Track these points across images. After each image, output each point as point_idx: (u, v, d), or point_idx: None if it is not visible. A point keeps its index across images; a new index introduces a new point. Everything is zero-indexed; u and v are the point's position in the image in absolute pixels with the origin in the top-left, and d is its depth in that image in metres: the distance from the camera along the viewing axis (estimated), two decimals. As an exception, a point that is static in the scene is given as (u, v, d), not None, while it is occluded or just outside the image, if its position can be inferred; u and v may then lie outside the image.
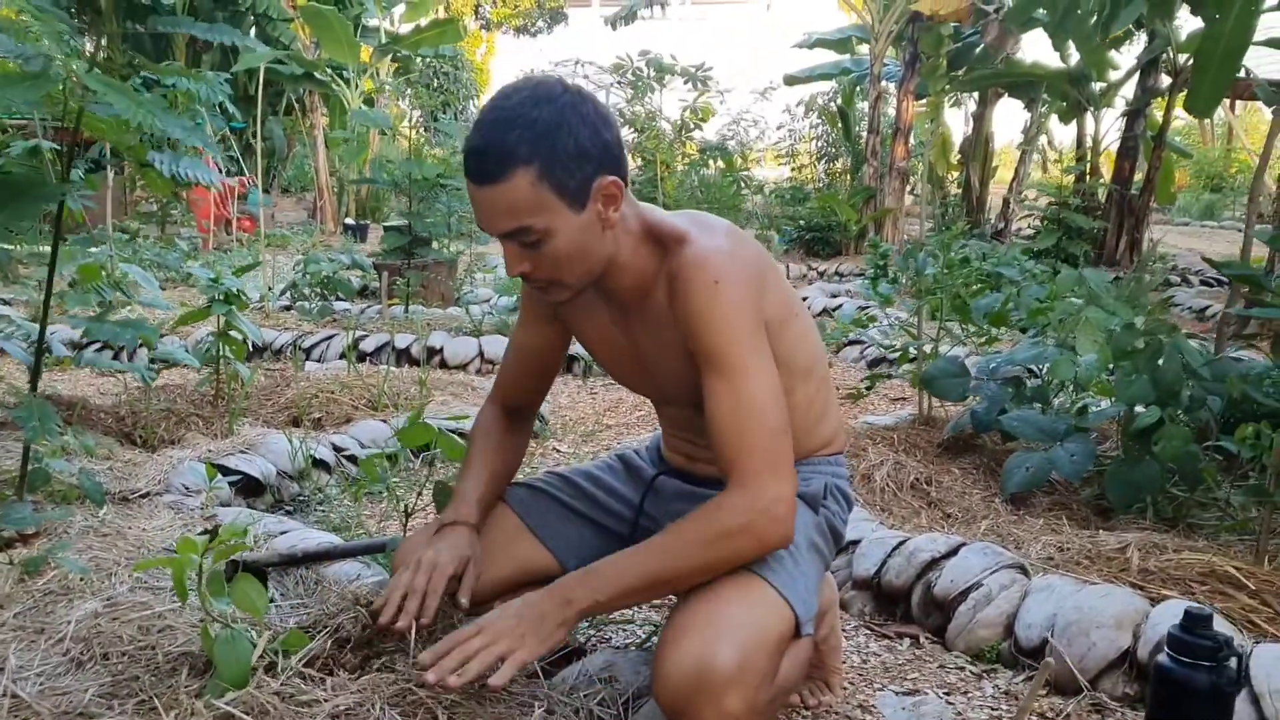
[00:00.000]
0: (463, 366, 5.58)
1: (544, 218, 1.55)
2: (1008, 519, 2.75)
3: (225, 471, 3.05)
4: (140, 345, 2.73)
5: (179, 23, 2.25)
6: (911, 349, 3.59)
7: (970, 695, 2.06)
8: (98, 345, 4.84)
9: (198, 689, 1.68)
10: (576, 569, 1.97)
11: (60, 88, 2.08)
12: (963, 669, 2.17)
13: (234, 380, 3.59)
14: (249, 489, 3.10)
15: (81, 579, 2.09)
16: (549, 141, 1.52)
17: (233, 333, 3.51)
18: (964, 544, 2.41)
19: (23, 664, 1.78)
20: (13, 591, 2.05)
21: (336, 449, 3.44)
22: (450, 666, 1.51)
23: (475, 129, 1.57)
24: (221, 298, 3.42)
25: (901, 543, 2.46)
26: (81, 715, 1.64)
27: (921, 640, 2.29)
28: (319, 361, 5.56)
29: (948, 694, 2.07)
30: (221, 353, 3.52)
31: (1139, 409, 2.78)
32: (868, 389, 3.76)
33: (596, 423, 4.30)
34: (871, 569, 2.43)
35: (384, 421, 3.69)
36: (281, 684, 1.65)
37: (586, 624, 2.26)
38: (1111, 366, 3.06)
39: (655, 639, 2.23)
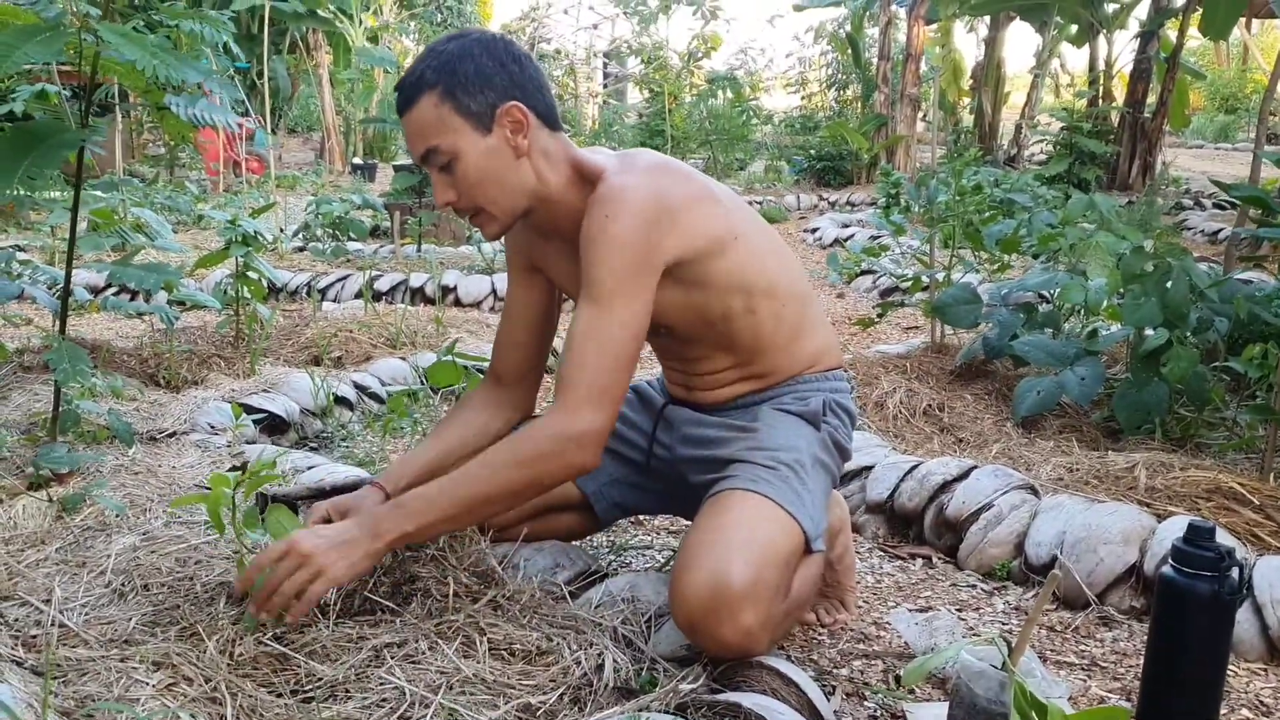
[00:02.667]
0: (476, 304, 5.63)
1: (449, 138, 1.68)
2: (1019, 442, 2.80)
3: (249, 410, 3.11)
4: (162, 289, 2.77)
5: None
6: (924, 277, 3.62)
7: (981, 611, 2.13)
8: (116, 290, 4.90)
9: (236, 615, 1.75)
10: (595, 493, 2.05)
11: (76, 39, 2.10)
12: (974, 587, 2.24)
13: (254, 321, 3.64)
14: (273, 427, 3.17)
15: (118, 515, 2.16)
16: (451, 66, 1.67)
17: (251, 274, 3.55)
18: (975, 467, 2.46)
19: (68, 595, 1.85)
20: (52, 528, 2.12)
21: (358, 386, 3.50)
22: (261, 597, 1.61)
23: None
24: (239, 239, 3.46)
25: (914, 467, 2.51)
26: (127, 643, 1.70)
27: (934, 560, 2.35)
28: (335, 302, 5.61)
29: (959, 610, 2.13)
30: (241, 294, 3.57)
31: (1147, 331, 2.81)
32: (880, 316, 3.79)
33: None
34: (885, 493, 2.49)
35: (403, 359, 3.75)
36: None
37: (608, 550, 2.32)
38: (1121, 290, 3.09)
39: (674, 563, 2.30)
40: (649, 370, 3.51)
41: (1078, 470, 2.56)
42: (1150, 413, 2.77)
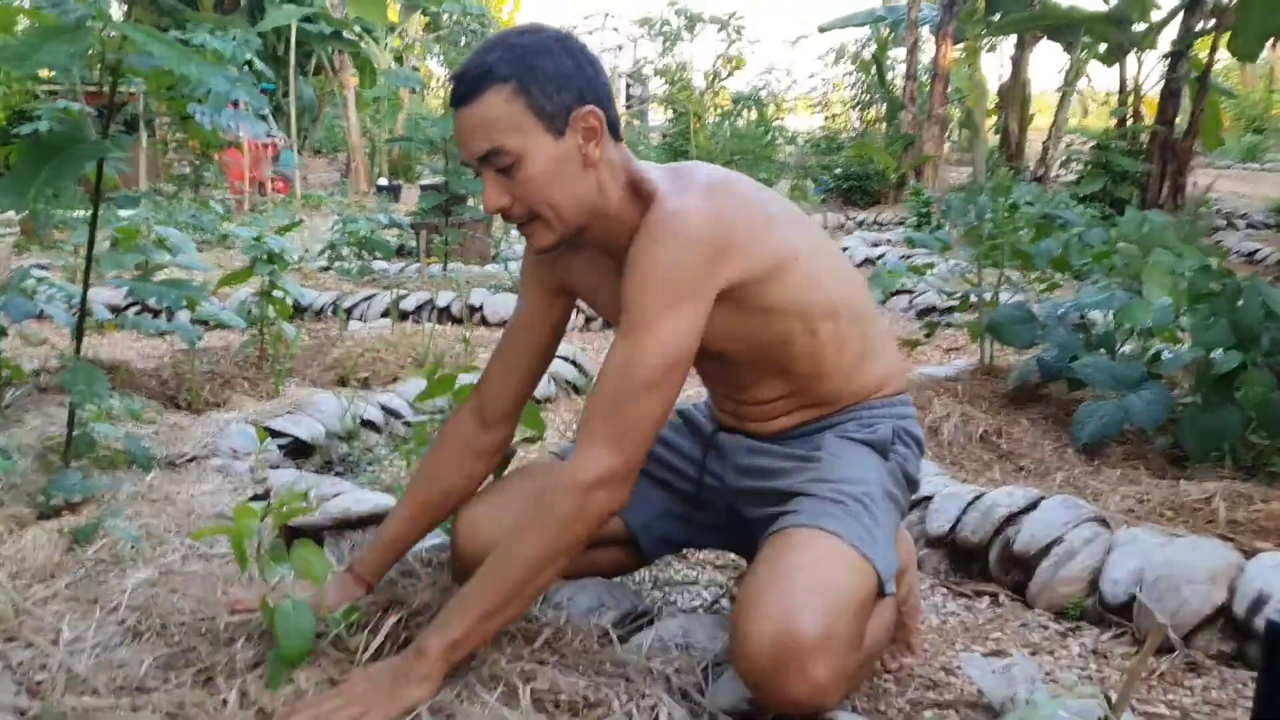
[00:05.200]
0: (502, 323, 5.52)
1: (518, 137, 1.51)
2: (1083, 470, 2.65)
3: (273, 434, 2.99)
4: (184, 306, 2.65)
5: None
6: (971, 296, 3.47)
7: (1057, 655, 1.97)
8: (138, 308, 4.80)
9: (254, 659, 1.62)
10: (641, 528, 1.91)
11: (99, 39, 1.99)
12: (1046, 627, 2.08)
13: (279, 341, 3.53)
14: (297, 451, 3.04)
15: (133, 547, 2.03)
16: (527, 60, 1.51)
17: (276, 292, 3.44)
18: (1042, 497, 2.31)
19: (77, 635, 1.72)
20: (63, 560, 2.00)
21: (385, 409, 3.38)
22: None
23: (461, 61, 1.56)
24: (265, 257, 3.35)
25: (977, 497, 2.36)
26: (139, 690, 1.57)
27: (1001, 598, 2.20)
28: (361, 321, 5.50)
29: (1033, 653, 1.98)
30: (266, 313, 3.45)
31: (1216, 354, 2.66)
32: (926, 337, 3.64)
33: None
34: (946, 526, 2.34)
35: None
36: (347, 659, 1.59)
37: (651, 586, 2.18)
38: (1182, 310, 2.95)
39: (724, 600, 2.16)
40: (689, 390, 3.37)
41: (1149, 500, 2.40)
42: (1222, 439, 2.61)
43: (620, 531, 1.91)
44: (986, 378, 3.39)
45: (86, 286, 2.23)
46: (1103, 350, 3.04)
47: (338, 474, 3.06)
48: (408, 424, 3.40)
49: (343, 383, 3.59)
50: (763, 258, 1.61)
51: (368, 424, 3.27)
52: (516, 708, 1.48)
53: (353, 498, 2.42)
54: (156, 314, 4.22)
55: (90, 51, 2.11)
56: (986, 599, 2.20)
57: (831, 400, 1.78)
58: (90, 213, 2.20)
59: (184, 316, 2.80)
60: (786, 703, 1.45)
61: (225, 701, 1.51)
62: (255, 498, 2.35)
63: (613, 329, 1.75)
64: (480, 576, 1.52)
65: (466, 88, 1.51)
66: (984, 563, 2.29)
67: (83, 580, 1.92)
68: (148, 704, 1.51)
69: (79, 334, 2.24)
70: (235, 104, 2.19)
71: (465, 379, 2.12)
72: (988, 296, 3.45)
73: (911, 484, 1.82)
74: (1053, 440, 2.88)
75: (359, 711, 1.43)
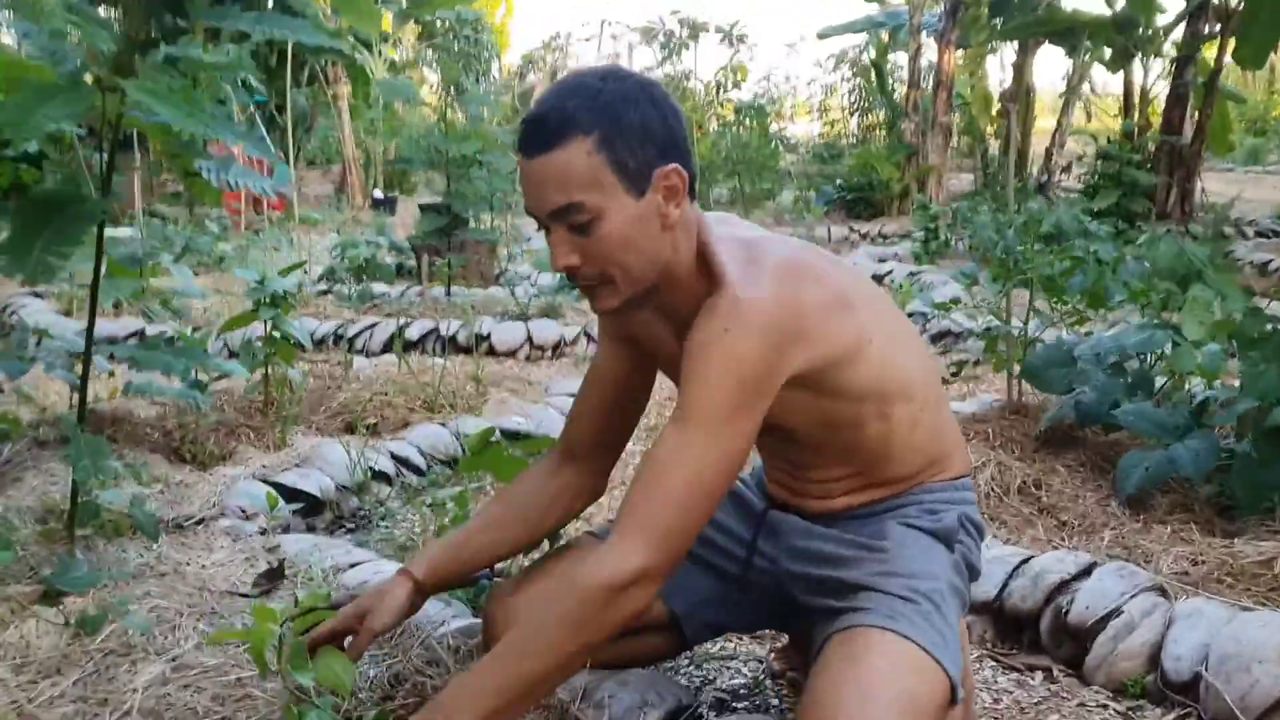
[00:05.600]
0: (511, 353, 5.41)
1: (597, 195, 1.40)
2: (1131, 527, 2.54)
3: (281, 490, 2.88)
4: (191, 374, 2.55)
5: (225, 14, 2.04)
6: (997, 330, 3.36)
7: (1121, 742, 1.87)
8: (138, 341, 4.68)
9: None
10: (685, 615, 1.80)
11: (99, 98, 1.88)
12: (1105, 707, 1.97)
13: (284, 386, 3.41)
14: (307, 508, 2.93)
15: (144, 636, 1.92)
16: (612, 113, 1.39)
17: (279, 334, 3.33)
18: (1095, 563, 2.20)
19: (87, 746, 1.61)
20: (69, 652, 1.89)
21: (396, 458, 3.27)
22: None
23: (536, 103, 1.44)
24: (268, 300, 3.24)
25: (1025, 561, 2.26)
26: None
27: (1055, 674, 2.09)
28: (363, 353, 5.39)
29: (1096, 740, 1.87)
30: (270, 357, 3.34)
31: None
32: (954, 375, 3.54)
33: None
34: (993, 591, 2.23)
35: (442, 425, 3.51)
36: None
37: (689, 663, 2.08)
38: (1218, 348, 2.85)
39: (766, 680, 2.05)
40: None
41: (1204, 562, 2.30)
42: (1275, 491, 2.51)
43: (662, 618, 1.81)
44: (1016, 417, 3.28)
45: (89, 352, 2.12)
46: (1139, 392, 2.93)
47: (349, 530, 2.95)
48: (420, 472, 3.30)
49: (350, 429, 3.48)
50: (836, 344, 1.51)
51: (378, 475, 3.16)
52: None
53: (371, 569, 2.31)
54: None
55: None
56: (1040, 674, 2.10)
57: (893, 482, 1.68)
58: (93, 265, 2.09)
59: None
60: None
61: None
62: (269, 573, 2.24)
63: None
64: (498, 667, 1.41)
65: (544, 136, 1.40)
66: (1034, 632, 2.18)
67: (91, 676, 1.81)
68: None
69: (81, 401, 2.13)
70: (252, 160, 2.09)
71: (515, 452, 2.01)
72: (1016, 331, 3.34)
73: (973, 572, 1.72)
74: (1093, 490, 2.77)
75: None
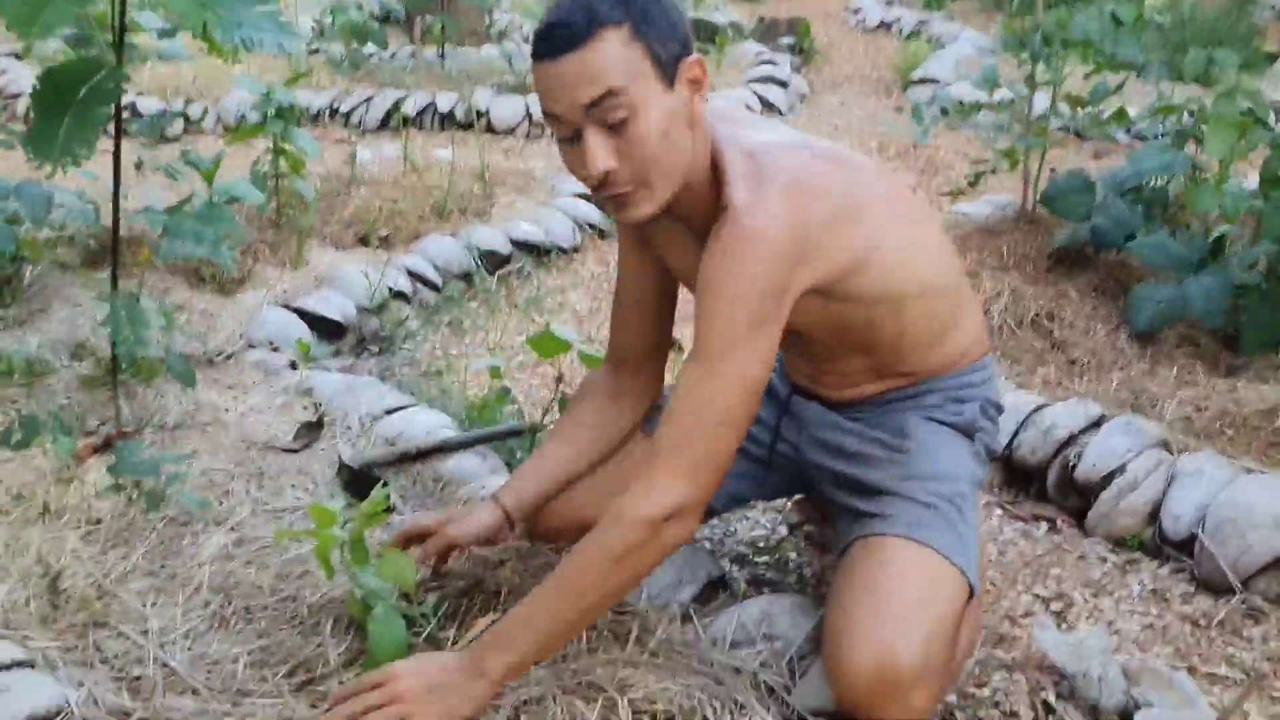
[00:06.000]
0: (510, 131, 5.31)
1: (635, 84, 1.35)
2: (1139, 368, 2.62)
3: (304, 315, 2.93)
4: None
5: None
6: (1019, 143, 3.32)
7: (1118, 597, 2.01)
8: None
9: (345, 656, 1.63)
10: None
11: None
12: (1104, 560, 2.11)
13: (296, 201, 3.38)
14: (330, 331, 2.99)
15: (202, 509, 2.00)
16: (640, 3, 1.36)
17: (288, 147, 3.28)
18: (1103, 416, 2.29)
19: (164, 624, 1.73)
20: (132, 520, 1.98)
21: (412, 274, 3.29)
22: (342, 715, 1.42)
23: (554, 7, 1.38)
24: (275, 113, 3.17)
25: (1036, 411, 2.35)
26: (240, 693, 1.59)
27: (1059, 524, 2.22)
28: (359, 128, 5.31)
29: (1094, 595, 2.01)
30: (278, 169, 3.30)
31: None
32: (971, 185, 3.51)
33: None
34: (1002, 442, 2.32)
35: (453, 236, 3.52)
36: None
37: (715, 521, 2.19)
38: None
39: (785, 532, 2.18)
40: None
41: (1207, 409, 2.39)
42: (1281, 335, 2.57)
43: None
44: (1030, 229, 3.30)
45: (116, 225, 2.11)
46: (1155, 216, 2.94)
47: (372, 354, 3.02)
48: (435, 288, 3.33)
49: (364, 242, 3.49)
50: (844, 257, 1.51)
51: (396, 295, 3.20)
52: (619, 726, 1.51)
53: (405, 417, 2.38)
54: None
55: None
56: (1044, 525, 2.23)
57: (914, 372, 1.72)
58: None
59: (201, 187, 2.64)
60: (882, 721, 1.49)
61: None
62: (309, 426, 2.32)
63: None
64: (546, 600, 1.47)
65: (574, 34, 1.33)
66: (1041, 484, 2.30)
67: (157, 548, 1.91)
68: (252, 714, 1.53)
69: (114, 264, 2.14)
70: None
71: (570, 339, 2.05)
72: (1037, 110, 3.26)
73: (991, 454, 1.79)
74: (1104, 321, 2.82)
75: (404, 713, 1.40)
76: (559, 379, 2.12)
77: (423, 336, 3.09)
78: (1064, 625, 1.93)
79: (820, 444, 1.78)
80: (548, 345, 2.04)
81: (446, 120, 5.32)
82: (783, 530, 2.20)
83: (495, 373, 2.34)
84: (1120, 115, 3.10)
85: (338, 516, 1.64)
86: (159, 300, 2.69)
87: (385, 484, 2.12)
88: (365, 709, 1.41)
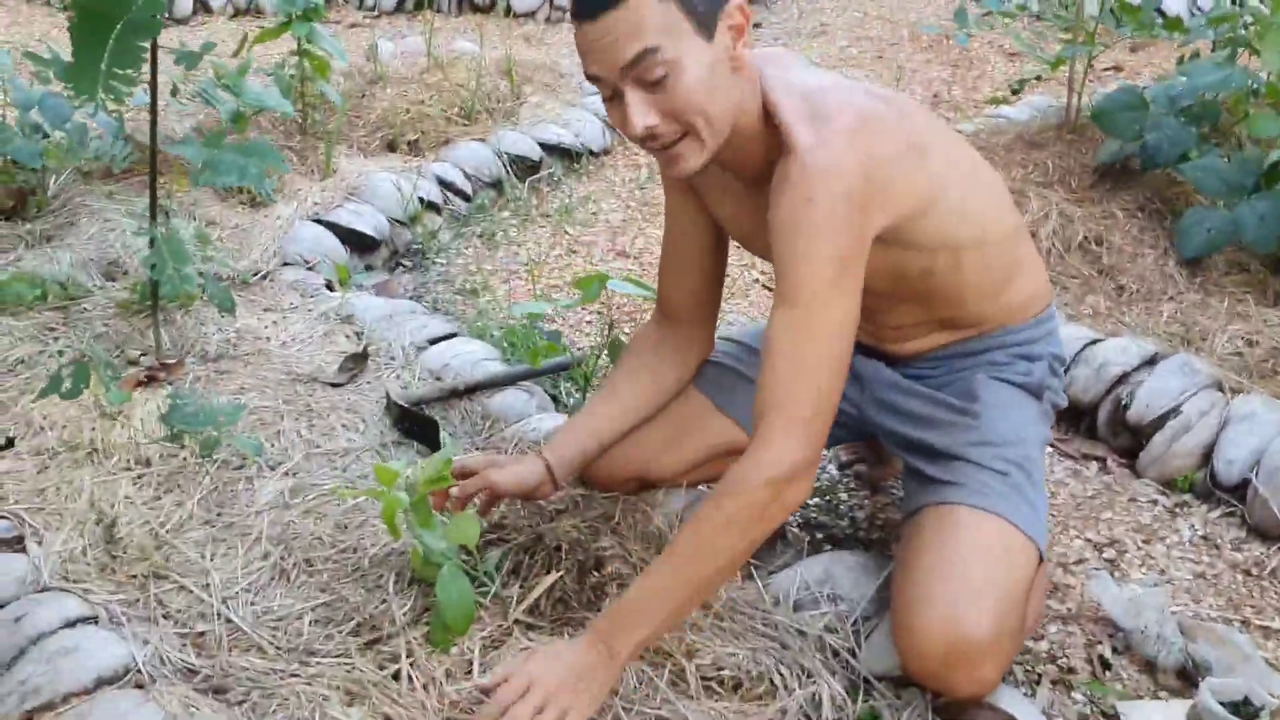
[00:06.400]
0: (530, 14, 5.15)
1: (671, 40, 1.33)
2: (1190, 299, 2.57)
3: (336, 230, 2.88)
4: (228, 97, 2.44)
5: None
6: (1068, 52, 3.21)
7: (1169, 544, 2.01)
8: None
9: (410, 615, 1.64)
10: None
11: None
12: (1155, 503, 2.11)
13: (321, 103, 3.28)
14: (363, 245, 2.94)
15: (257, 456, 1.99)
16: None
17: (313, 49, 3.17)
18: (1156, 355, 2.27)
19: (225, 577, 1.74)
20: (185, 463, 1.97)
21: (442, 183, 3.22)
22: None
23: None
24: (300, 14, 3.05)
25: (1088, 346, 2.32)
26: (307, 652, 1.60)
27: (1109, 464, 2.22)
28: (373, 9, 5.15)
29: (1145, 541, 2.02)
30: (303, 73, 3.19)
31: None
32: (1014, 93, 3.40)
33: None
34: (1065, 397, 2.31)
35: (482, 141, 3.43)
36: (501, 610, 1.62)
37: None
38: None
39: (834, 471, 2.18)
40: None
41: (1259, 344, 2.36)
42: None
43: (746, 442, 1.88)
44: (1074, 139, 3.21)
45: (154, 149, 2.05)
46: (1206, 135, 2.84)
47: (406, 270, 2.97)
48: (466, 198, 3.26)
49: (391, 148, 3.40)
50: (912, 196, 1.49)
51: (427, 205, 3.13)
52: (687, 691, 1.53)
53: (449, 348, 2.35)
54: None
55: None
56: (1094, 464, 2.22)
57: (974, 324, 1.70)
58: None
59: (229, 101, 2.56)
60: (951, 693, 1.50)
61: (399, 674, 1.54)
62: (353, 358, 2.29)
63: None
64: (673, 570, 1.46)
65: None
66: (1091, 420, 2.29)
67: (212, 494, 1.91)
68: (323, 677, 1.54)
69: (152, 200, 2.08)
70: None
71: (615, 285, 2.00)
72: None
73: (1056, 411, 1.78)
74: (1151, 245, 2.76)
75: (560, 712, 1.40)
76: (610, 325, 2.08)
77: (455, 250, 3.04)
78: (1117, 574, 1.94)
79: (884, 405, 1.76)
80: (593, 286, 2.00)
81: (463, 3, 5.15)
82: (832, 470, 2.20)
83: (534, 317, 2.30)
84: (1174, 25, 2.99)
85: (400, 476, 1.63)
86: (194, 224, 2.63)
87: (443, 440, 2.09)
88: (530, 711, 1.38)
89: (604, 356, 2.16)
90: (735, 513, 1.43)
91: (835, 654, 1.63)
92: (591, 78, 1.40)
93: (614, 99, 1.40)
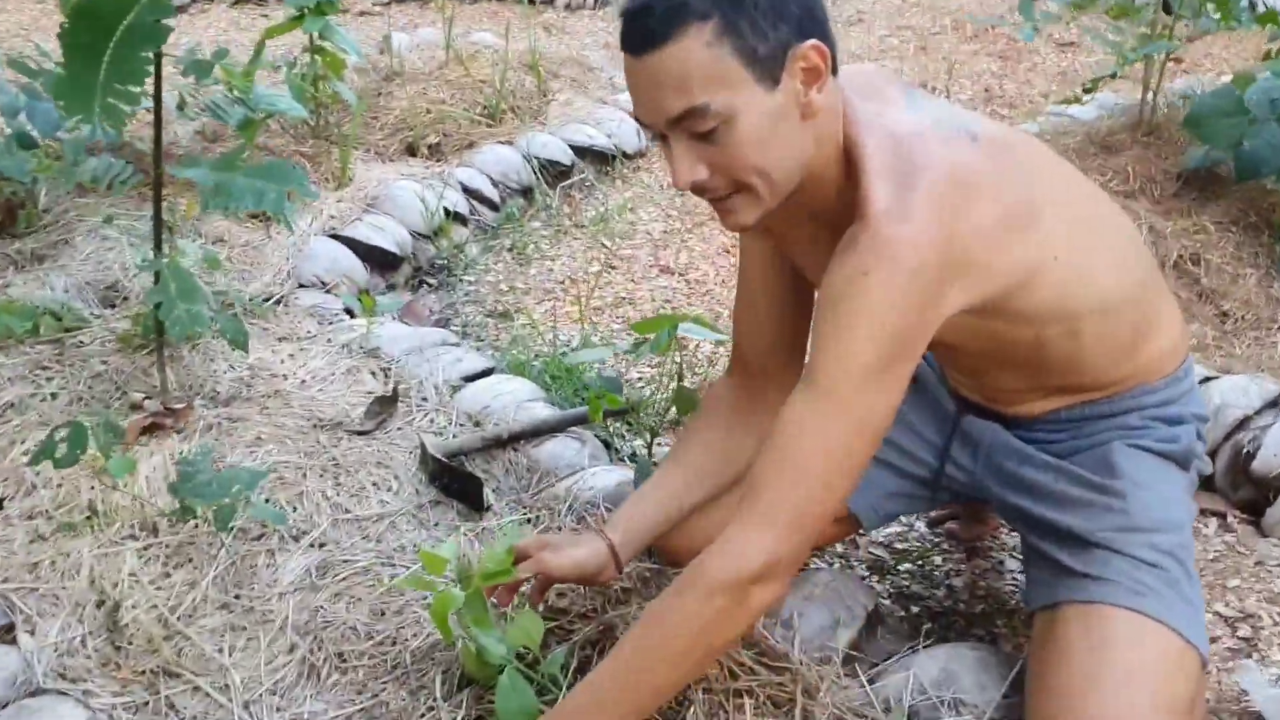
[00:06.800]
0: (549, 0, 4.88)
1: (724, 93, 1.13)
2: (1305, 327, 2.34)
3: (355, 246, 2.64)
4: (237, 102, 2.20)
5: None
6: (1145, 51, 2.96)
7: (1309, 617, 1.79)
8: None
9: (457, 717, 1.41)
10: (866, 511, 1.64)
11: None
12: (1286, 567, 1.88)
13: (335, 103, 3.03)
14: (385, 262, 2.69)
15: (279, 525, 1.75)
16: None
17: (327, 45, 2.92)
18: (1280, 396, 2.03)
19: (246, 676, 1.51)
20: (197, 531, 1.73)
21: (467, 191, 2.97)
22: None
23: None
24: (313, 9, 2.80)
25: (1202, 383, 2.07)
26: (344, 770, 1.38)
27: (1230, 520, 1.98)
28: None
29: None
30: (316, 71, 2.94)
31: None
32: (1087, 92, 3.15)
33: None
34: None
35: (509, 144, 3.18)
36: None
37: (873, 576, 1.92)
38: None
39: (922, 528, 1.95)
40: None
41: (1388, 380, 2.13)
42: None
43: (844, 512, 1.65)
44: (1150, 142, 2.96)
45: (159, 173, 1.81)
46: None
47: (431, 288, 2.73)
48: (494, 207, 3.02)
49: (411, 151, 3.15)
50: (1010, 270, 1.25)
51: (453, 216, 2.89)
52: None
53: (489, 388, 2.11)
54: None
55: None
56: (1215, 521, 1.99)
57: (1097, 387, 1.46)
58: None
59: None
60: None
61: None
62: (382, 400, 2.05)
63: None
64: (620, 678, 1.25)
65: (652, 29, 1.13)
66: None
67: (228, 570, 1.67)
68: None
69: (157, 235, 1.84)
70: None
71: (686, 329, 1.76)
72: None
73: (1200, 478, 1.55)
74: (1252, 266, 2.52)
75: None
76: (679, 376, 1.84)
77: (484, 266, 2.79)
78: (1255, 656, 1.71)
79: (1004, 475, 1.52)
80: (662, 334, 1.76)
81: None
82: (920, 527, 1.96)
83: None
84: (1269, 18, 2.74)
85: (450, 564, 1.40)
86: (201, 241, 2.39)
87: (486, 499, 1.86)
88: None
89: (671, 410, 1.92)
90: (692, 614, 1.21)
91: (962, 775, 1.40)
92: (640, 120, 1.22)
93: (663, 141, 1.21)
